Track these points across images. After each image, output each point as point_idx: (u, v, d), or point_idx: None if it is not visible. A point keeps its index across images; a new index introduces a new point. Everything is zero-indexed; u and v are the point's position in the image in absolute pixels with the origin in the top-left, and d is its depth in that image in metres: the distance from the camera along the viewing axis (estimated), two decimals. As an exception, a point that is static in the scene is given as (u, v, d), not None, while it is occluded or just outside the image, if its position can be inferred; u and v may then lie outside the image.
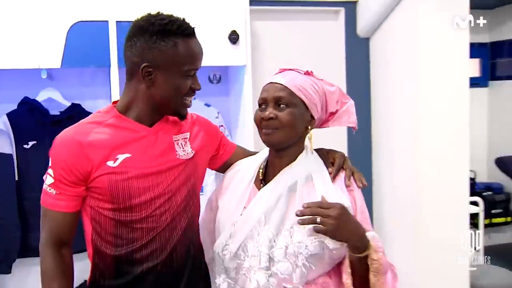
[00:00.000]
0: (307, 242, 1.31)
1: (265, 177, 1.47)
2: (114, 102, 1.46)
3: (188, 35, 1.37)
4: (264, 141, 1.41)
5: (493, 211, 4.26)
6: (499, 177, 4.29)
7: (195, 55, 1.39)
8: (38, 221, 1.37)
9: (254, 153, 1.62)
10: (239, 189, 1.47)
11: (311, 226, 1.26)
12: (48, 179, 1.35)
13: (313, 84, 1.43)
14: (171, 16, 1.38)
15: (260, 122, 1.39)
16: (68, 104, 2.53)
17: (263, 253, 1.33)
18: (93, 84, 2.66)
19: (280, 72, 1.46)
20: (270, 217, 1.36)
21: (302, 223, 1.24)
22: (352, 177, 1.44)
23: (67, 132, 1.38)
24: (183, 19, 1.38)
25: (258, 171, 1.49)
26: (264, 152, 1.54)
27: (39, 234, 1.40)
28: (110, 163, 1.34)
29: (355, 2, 2.93)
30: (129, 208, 1.36)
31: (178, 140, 1.47)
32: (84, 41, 2.29)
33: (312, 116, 1.43)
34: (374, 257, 1.26)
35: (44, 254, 1.37)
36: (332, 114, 1.50)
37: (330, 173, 1.44)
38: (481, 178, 4.44)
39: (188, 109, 1.46)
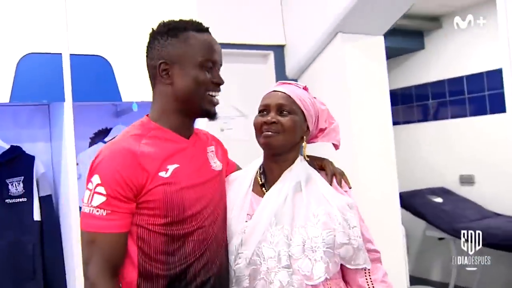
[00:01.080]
0: (323, 235, 1.35)
1: (265, 182, 1.50)
2: (147, 115, 1.40)
3: (200, 30, 1.37)
4: (263, 144, 1.44)
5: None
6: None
7: (209, 46, 1.37)
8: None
9: None
10: (238, 198, 1.47)
11: (324, 219, 1.35)
12: (96, 199, 1.21)
13: (310, 98, 1.53)
14: (182, 19, 1.40)
15: (261, 126, 1.43)
16: (7, 146, 2.29)
17: (282, 252, 1.33)
18: (31, 126, 2.45)
19: (280, 84, 1.54)
20: (281, 217, 1.38)
21: None
22: (342, 180, 1.54)
23: (115, 145, 1.28)
24: (194, 19, 1.40)
25: (255, 179, 1.51)
26: (255, 163, 1.57)
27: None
28: (162, 174, 1.27)
29: (282, 46, 3.16)
30: (182, 221, 1.29)
31: (209, 152, 1.46)
32: (35, 74, 2.14)
33: (307, 127, 1.51)
34: None
35: (100, 286, 1.21)
36: (322, 130, 1.59)
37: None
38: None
39: None
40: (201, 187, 1.35)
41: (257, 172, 1.52)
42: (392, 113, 5.08)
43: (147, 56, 1.39)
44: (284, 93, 1.46)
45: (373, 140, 2.97)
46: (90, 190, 1.22)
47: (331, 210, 1.39)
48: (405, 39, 4.62)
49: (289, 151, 1.48)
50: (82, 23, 2.26)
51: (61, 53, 2.19)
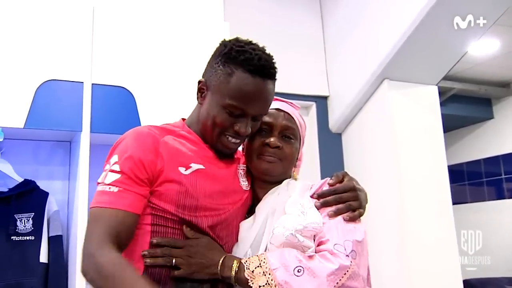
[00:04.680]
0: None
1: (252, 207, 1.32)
2: (184, 119, 1.37)
3: (253, 72, 1.19)
4: (264, 170, 1.27)
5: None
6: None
7: (246, 95, 1.19)
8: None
9: None
10: None
11: (283, 239, 1.12)
12: (110, 177, 1.13)
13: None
14: (254, 47, 1.22)
15: (261, 148, 1.26)
16: (20, 179, 2.17)
17: None
18: (50, 162, 2.34)
19: (276, 100, 1.33)
20: (255, 250, 1.21)
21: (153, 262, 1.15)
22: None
23: (139, 129, 1.24)
24: (267, 58, 1.22)
25: None
26: None
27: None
28: (182, 170, 1.19)
29: (326, 97, 2.96)
30: (190, 223, 1.19)
31: (239, 170, 1.35)
32: (54, 101, 2.06)
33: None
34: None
35: (99, 254, 1.05)
36: (299, 159, 1.38)
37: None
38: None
39: None
40: (221, 197, 1.24)
41: None
42: (458, 191, 4.67)
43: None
44: (288, 113, 1.31)
45: (426, 199, 2.61)
46: (106, 170, 1.16)
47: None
48: (470, 107, 4.28)
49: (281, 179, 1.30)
50: (107, 53, 2.19)
51: (83, 82, 2.12)
